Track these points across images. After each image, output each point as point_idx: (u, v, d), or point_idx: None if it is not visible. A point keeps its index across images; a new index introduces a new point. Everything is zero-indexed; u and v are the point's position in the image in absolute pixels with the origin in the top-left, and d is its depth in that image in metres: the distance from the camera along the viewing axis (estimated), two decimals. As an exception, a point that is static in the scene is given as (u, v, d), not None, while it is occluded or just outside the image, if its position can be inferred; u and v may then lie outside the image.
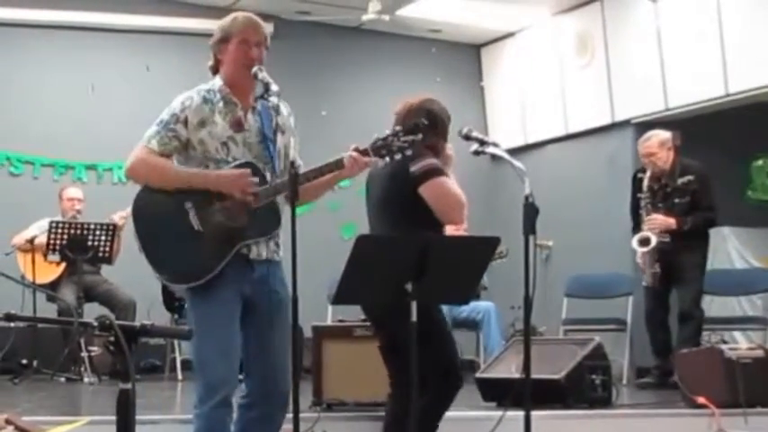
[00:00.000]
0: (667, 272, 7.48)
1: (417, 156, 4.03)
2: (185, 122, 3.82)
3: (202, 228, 3.79)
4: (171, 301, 8.12)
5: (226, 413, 3.76)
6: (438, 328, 4.18)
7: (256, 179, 3.78)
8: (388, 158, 3.84)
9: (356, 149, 3.86)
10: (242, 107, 3.90)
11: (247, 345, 3.88)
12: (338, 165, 3.84)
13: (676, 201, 7.46)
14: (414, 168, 4.07)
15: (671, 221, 7.40)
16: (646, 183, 7.55)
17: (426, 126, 3.93)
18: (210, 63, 3.98)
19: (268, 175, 3.85)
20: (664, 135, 7.56)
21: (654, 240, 7.40)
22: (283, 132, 3.93)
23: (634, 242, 7.53)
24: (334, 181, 3.95)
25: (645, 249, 7.44)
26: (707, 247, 7.59)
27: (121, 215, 7.99)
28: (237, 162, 3.83)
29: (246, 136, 3.88)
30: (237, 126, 3.87)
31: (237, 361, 3.90)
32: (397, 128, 3.87)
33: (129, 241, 8.20)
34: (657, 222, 7.42)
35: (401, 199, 4.10)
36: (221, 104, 3.88)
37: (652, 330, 7.68)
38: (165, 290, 7.87)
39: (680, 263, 7.45)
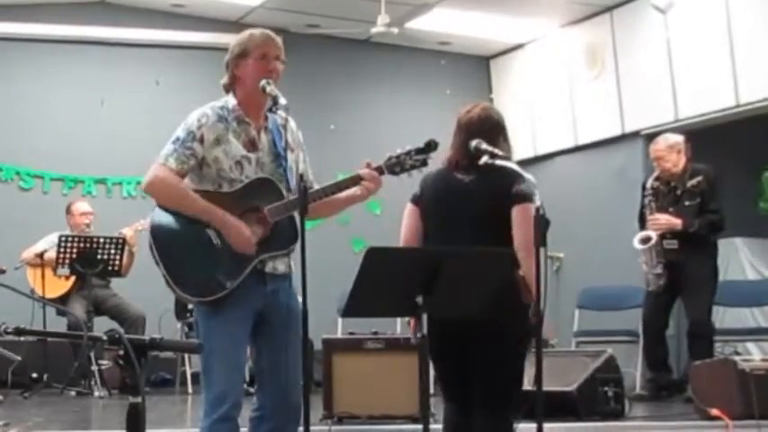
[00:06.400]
0: (674, 280, 7.35)
1: (522, 179, 4.09)
2: (201, 140, 3.81)
3: (220, 242, 3.79)
4: (183, 312, 8.11)
5: (229, 428, 3.74)
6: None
7: (250, 253, 3.77)
8: (403, 174, 3.93)
9: (368, 166, 3.91)
10: (255, 127, 3.90)
11: (260, 358, 3.88)
12: (354, 181, 3.89)
13: (686, 203, 7.30)
14: (516, 189, 4.10)
15: (676, 222, 7.24)
16: (650, 182, 7.46)
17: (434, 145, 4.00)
18: (224, 80, 3.96)
19: (284, 191, 3.85)
20: (673, 138, 7.48)
21: (654, 237, 7.27)
22: (293, 150, 3.93)
23: (635, 241, 7.39)
24: (353, 201, 3.99)
25: (645, 246, 7.30)
26: (716, 256, 7.42)
27: (130, 229, 8.00)
28: (253, 178, 3.83)
29: (260, 156, 3.88)
30: (251, 147, 3.88)
31: (242, 377, 3.91)
32: (409, 147, 3.95)
33: (139, 255, 8.26)
34: (661, 222, 7.30)
35: (504, 215, 4.10)
36: (235, 124, 3.87)
37: (648, 341, 7.59)
38: (177, 301, 7.86)
39: (689, 272, 7.28)
